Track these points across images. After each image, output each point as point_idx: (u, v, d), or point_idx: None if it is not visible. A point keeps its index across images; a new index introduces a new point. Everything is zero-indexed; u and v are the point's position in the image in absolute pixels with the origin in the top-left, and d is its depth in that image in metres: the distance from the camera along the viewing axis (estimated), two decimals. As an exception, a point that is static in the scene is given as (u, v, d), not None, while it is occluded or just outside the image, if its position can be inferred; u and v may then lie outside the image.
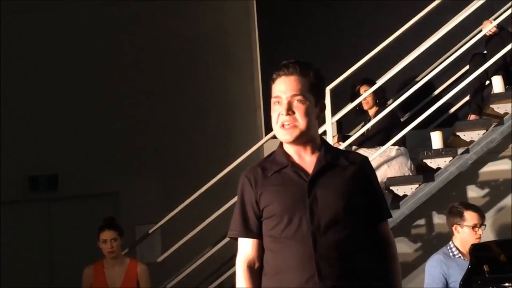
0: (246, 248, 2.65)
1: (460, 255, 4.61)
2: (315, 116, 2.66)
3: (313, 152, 2.65)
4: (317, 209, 2.54)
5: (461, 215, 4.66)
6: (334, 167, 2.63)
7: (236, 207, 2.70)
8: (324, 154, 2.64)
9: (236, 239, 2.70)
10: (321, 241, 2.51)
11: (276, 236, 2.57)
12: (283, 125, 2.62)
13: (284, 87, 2.63)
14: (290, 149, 2.67)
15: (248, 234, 2.64)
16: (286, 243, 2.54)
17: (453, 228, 4.70)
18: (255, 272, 2.63)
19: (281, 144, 2.71)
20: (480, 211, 4.73)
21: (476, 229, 4.62)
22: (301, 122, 2.60)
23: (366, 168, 2.69)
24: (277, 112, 2.64)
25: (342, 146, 5.69)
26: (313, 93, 2.65)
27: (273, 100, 2.66)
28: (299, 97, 2.62)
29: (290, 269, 2.53)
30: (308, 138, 2.64)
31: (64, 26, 7.71)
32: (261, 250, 2.63)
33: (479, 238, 4.62)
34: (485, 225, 4.72)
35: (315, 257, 2.50)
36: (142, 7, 7.72)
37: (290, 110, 2.61)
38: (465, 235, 4.63)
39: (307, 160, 2.64)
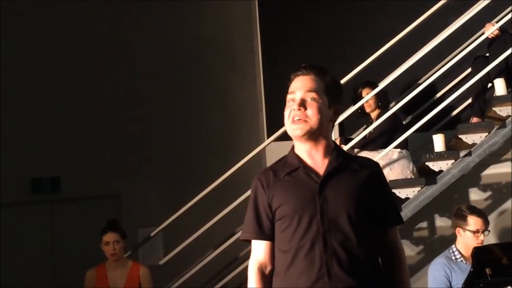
0: (258, 250, 2.68)
1: (462, 259, 4.60)
2: (328, 118, 2.68)
3: (325, 155, 2.67)
4: (327, 210, 2.57)
5: (464, 219, 4.64)
6: (345, 170, 2.65)
7: (249, 209, 2.73)
8: (335, 157, 2.66)
9: (249, 241, 2.73)
10: (331, 242, 2.54)
11: (287, 236, 2.60)
12: (293, 120, 2.64)
13: (300, 84, 2.67)
14: (302, 151, 2.69)
15: (261, 236, 2.67)
16: (297, 244, 2.57)
17: (456, 230, 4.69)
18: (266, 274, 2.67)
19: (293, 147, 2.73)
20: (485, 217, 4.69)
21: (478, 234, 4.59)
22: (312, 119, 2.63)
23: (377, 174, 2.72)
24: (290, 108, 2.66)
25: (344, 149, 5.68)
26: (328, 95, 2.67)
27: (288, 97, 2.69)
28: (313, 94, 2.65)
29: (300, 269, 2.56)
30: (319, 137, 2.66)
31: (67, 27, 7.72)
32: (273, 253, 2.67)
33: (481, 243, 4.60)
34: (489, 231, 4.70)
35: (325, 257, 2.53)
36: (145, 10, 7.73)
37: (302, 106, 2.63)
38: (467, 239, 4.62)
39: (318, 162, 2.66)
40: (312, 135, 2.64)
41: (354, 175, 2.64)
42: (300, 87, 2.66)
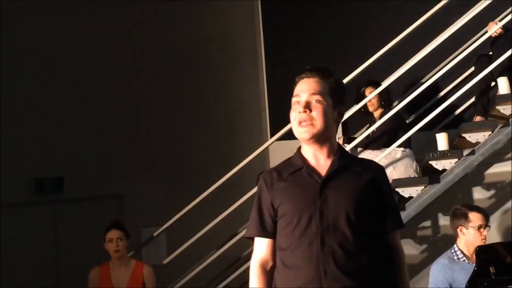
0: (260, 247, 2.75)
1: (464, 258, 4.59)
2: (333, 119, 2.73)
3: (329, 156, 2.73)
4: (327, 210, 2.62)
5: (465, 217, 4.64)
6: (348, 172, 2.70)
7: (253, 209, 2.79)
8: (338, 158, 2.71)
9: (252, 239, 2.79)
10: (328, 241, 2.59)
11: (287, 234, 2.65)
12: (300, 123, 2.69)
13: (304, 87, 2.73)
14: (307, 152, 2.74)
15: (263, 234, 2.73)
16: (296, 242, 2.62)
17: (458, 230, 4.68)
18: (268, 271, 2.72)
19: (299, 148, 2.79)
20: (484, 212, 4.71)
21: (482, 229, 4.60)
22: (318, 121, 2.68)
23: (379, 177, 2.75)
24: (296, 111, 2.71)
25: (348, 148, 5.68)
26: (332, 96, 2.72)
27: (293, 100, 2.75)
28: (317, 97, 2.70)
29: (298, 267, 2.60)
30: (325, 139, 2.71)
31: (67, 28, 7.71)
32: (275, 250, 2.72)
33: (485, 239, 4.60)
34: (490, 226, 4.71)
35: (321, 257, 2.57)
36: (148, 10, 7.73)
37: (307, 108, 2.68)
38: (470, 236, 4.62)
39: (322, 163, 2.72)
40: (319, 138, 2.70)
41: (356, 177, 2.69)
42: (305, 90, 2.72)
